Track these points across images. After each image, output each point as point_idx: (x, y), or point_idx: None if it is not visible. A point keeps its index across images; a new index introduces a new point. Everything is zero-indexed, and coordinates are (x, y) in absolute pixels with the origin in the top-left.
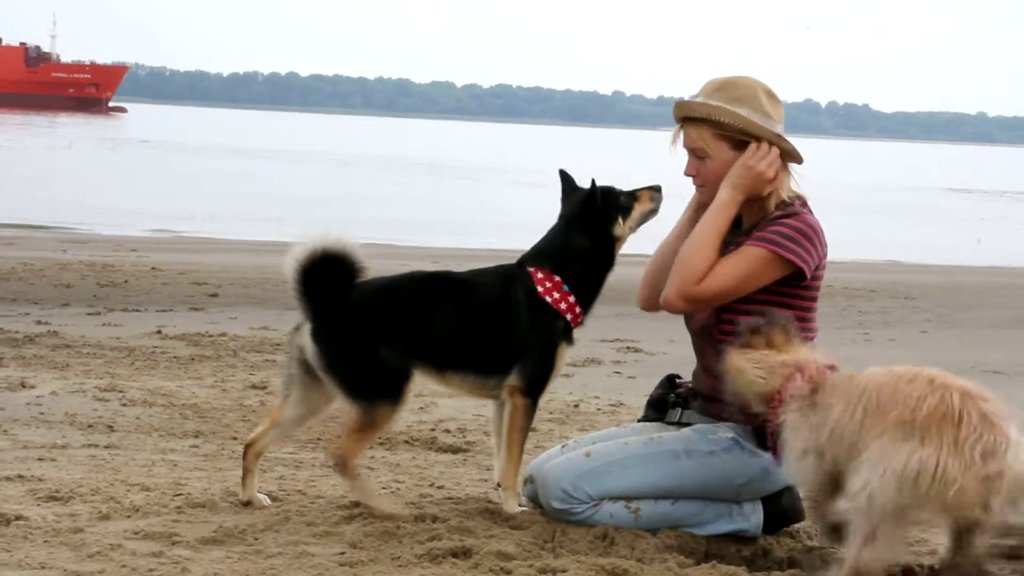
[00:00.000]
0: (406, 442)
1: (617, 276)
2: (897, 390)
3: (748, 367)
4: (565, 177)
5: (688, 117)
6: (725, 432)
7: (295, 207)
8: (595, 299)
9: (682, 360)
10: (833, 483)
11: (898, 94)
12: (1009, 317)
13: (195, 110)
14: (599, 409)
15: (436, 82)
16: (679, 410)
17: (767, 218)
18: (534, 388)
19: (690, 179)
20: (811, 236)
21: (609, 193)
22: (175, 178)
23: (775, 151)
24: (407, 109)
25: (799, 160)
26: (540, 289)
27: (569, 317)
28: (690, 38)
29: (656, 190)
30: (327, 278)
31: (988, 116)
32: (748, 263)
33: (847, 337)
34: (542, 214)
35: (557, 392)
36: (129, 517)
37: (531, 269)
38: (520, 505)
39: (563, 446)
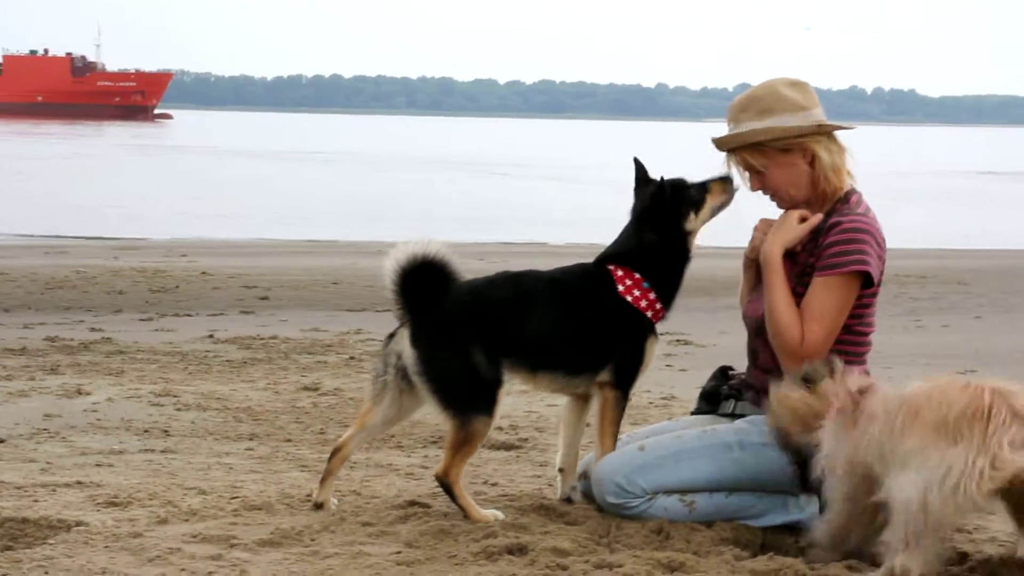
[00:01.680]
0: None
1: None
2: (931, 397)
3: (792, 396)
4: (639, 166)
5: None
6: None
7: (338, 208)
8: (676, 292)
9: (733, 352)
10: (866, 497)
11: (945, 78)
12: None
13: (240, 115)
14: (651, 403)
15: (479, 80)
16: (732, 402)
17: (822, 227)
18: (624, 381)
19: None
20: (864, 237)
21: (678, 187)
22: (221, 183)
23: (794, 216)
24: (451, 108)
25: (850, 127)
26: (621, 288)
27: (650, 314)
28: (731, 29)
29: (727, 180)
30: (425, 283)
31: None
32: (829, 295)
33: (899, 325)
34: (578, 208)
35: None
36: (187, 521)
37: (611, 267)
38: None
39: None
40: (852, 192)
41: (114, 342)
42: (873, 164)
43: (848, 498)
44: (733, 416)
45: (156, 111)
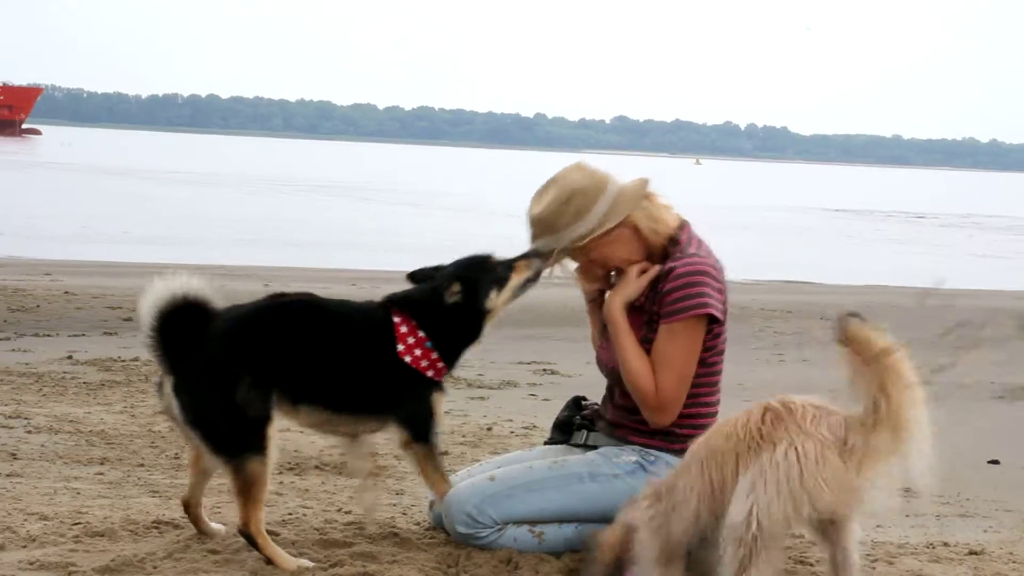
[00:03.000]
0: (316, 467)
1: (537, 300)
2: (720, 432)
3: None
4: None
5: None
6: (629, 455)
7: (208, 230)
8: (458, 360)
9: (599, 383)
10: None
11: (816, 117)
12: (921, 337)
13: (113, 132)
14: (512, 432)
15: (358, 104)
16: (585, 432)
17: (659, 275)
18: (424, 434)
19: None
20: (701, 279)
21: (482, 266)
22: (88, 201)
23: (633, 271)
24: (329, 132)
25: (645, 186)
26: (401, 347)
27: (431, 373)
28: (608, 61)
29: (536, 257)
30: (183, 326)
31: (903, 139)
32: (675, 342)
33: (763, 358)
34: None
35: (470, 415)
36: (24, 547)
37: (397, 320)
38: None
39: (468, 470)
40: (681, 228)
41: None
42: (742, 199)
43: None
44: (586, 447)
45: (24, 126)
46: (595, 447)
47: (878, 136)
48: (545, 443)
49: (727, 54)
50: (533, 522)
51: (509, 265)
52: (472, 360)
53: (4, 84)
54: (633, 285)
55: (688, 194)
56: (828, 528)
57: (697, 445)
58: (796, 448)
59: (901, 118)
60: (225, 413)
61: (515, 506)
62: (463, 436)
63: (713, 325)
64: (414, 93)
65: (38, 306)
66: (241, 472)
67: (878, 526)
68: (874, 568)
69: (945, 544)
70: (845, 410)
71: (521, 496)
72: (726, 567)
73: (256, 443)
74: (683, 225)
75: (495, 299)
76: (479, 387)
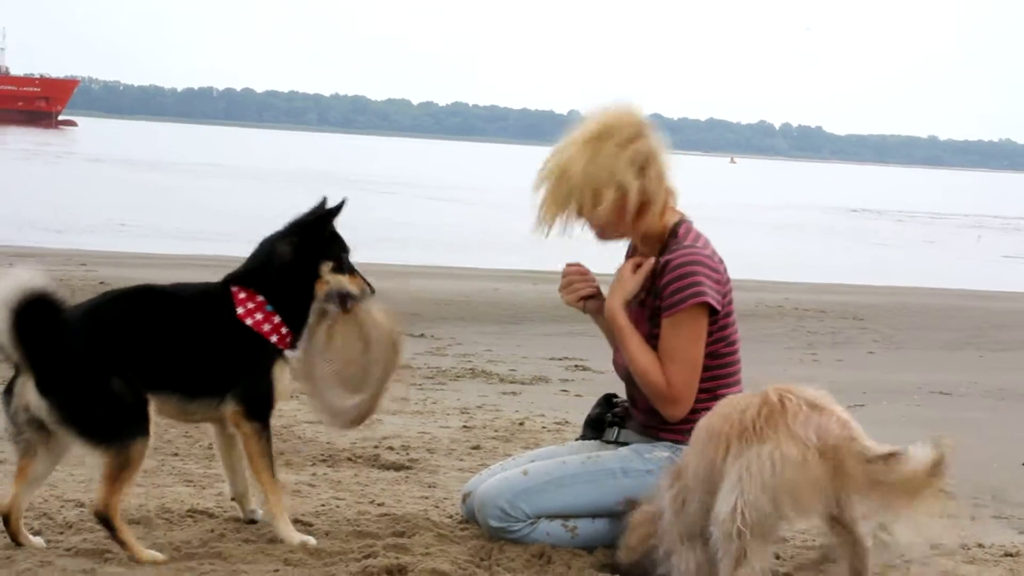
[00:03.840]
0: (348, 459)
1: None
2: (718, 415)
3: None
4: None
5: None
6: (662, 451)
7: (241, 224)
8: (305, 319)
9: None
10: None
11: (851, 117)
12: (954, 339)
13: (148, 125)
14: (544, 427)
15: (392, 99)
16: (616, 429)
17: (657, 264)
18: (258, 411)
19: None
20: (696, 269)
21: (335, 234)
22: (123, 193)
23: (627, 268)
24: (363, 126)
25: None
26: (240, 310)
27: (275, 339)
28: (642, 58)
29: (371, 291)
30: (39, 322)
31: (939, 139)
32: (679, 334)
33: (795, 358)
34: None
35: (503, 410)
36: (62, 533)
37: (234, 289)
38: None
39: (501, 464)
40: (680, 224)
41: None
42: (778, 199)
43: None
44: (617, 444)
45: (60, 118)
46: (626, 444)
47: (914, 136)
48: (577, 439)
49: (762, 52)
50: (566, 517)
51: (353, 268)
52: (504, 355)
53: (42, 76)
54: (630, 283)
55: (725, 192)
56: (837, 521)
57: (703, 421)
58: (780, 450)
59: (937, 119)
60: (104, 402)
61: (548, 501)
62: (495, 431)
63: (714, 315)
64: (449, 88)
65: (74, 296)
66: (121, 455)
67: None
68: (908, 568)
69: (980, 546)
70: (841, 408)
71: (554, 491)
72: (722, 561)
73: (140, 425)
74: (682, 220)
75: (327, 271)
76: (511, 382)
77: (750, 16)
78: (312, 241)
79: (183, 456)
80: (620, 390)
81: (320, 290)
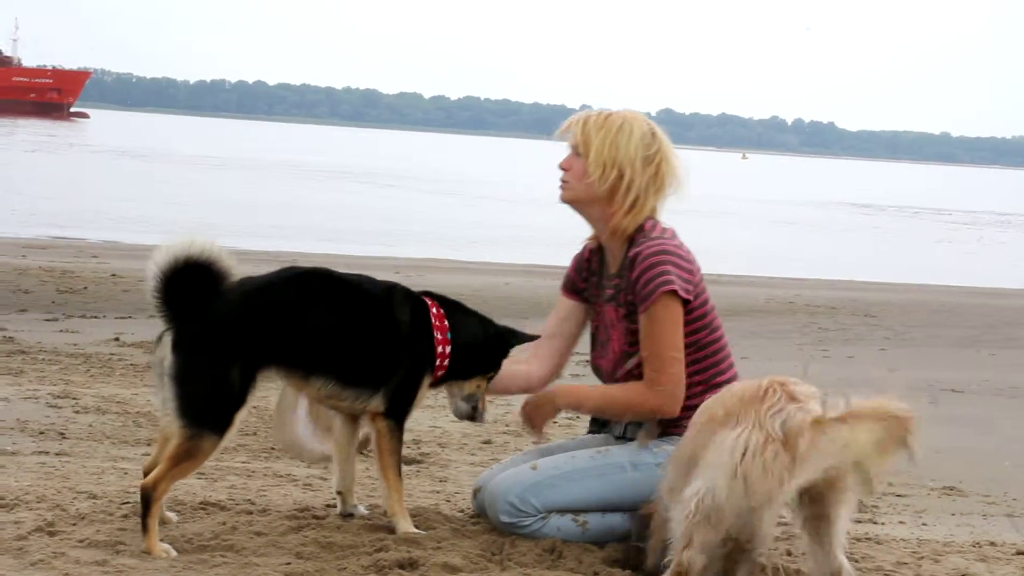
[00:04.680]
0: (359, 453)
1: None
2: (717, 399)
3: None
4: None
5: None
6: (670, 444)
7: (253, 217)
8: (449, 380)
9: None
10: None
11: (864, 113)
12: (964, 336)
13: (160, 117)
14: (555, 422)
15: (404, 93)
16: (623, 424)
17: (625, 259)
18: (398, 412)
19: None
20: (662, 258)
21: (503, 359)
22: (133, 185)
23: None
24: (374, 120)
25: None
26: (435, 321)
27: (438, 361)
28: (654, 54)
29: (481, 417)
30: (190, 286)
31: (952, 136)
32: (656, 326)
33: (806, 354)
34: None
35: (513, 404)
36: (75, 525)
37: (429, 300)
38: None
39: (512, 459)
40: (647, 220)
41: (16, 341)
42: (789, 195)
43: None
44: (626, 438)
45: (72, 109)
46: (634, 438)
47: (926, 133)
48: (586, 433)
49: (774, 48)
50: (576, 511)
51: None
52: (515, 350)
53: (54, 68)
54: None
55: (736, 189)
56: (813, 521)
57: (703, 408)
58: (744, 437)
59: (950, 115)
60: (207, 383)
61: (558, 495)
62: (506, 425)
63: (687, 304)
64: (460, 82)
65: (86, 288)
66: (191, 443)
67: (924, 524)
68: (920, 565)
69: (992, 543)
70: (822, 405)
71: (564, 485)
72: (673, 541)
73: (221, 424)
74: (650, 216)
75: (487, 375)
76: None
77: (764, 11)
78: (500, 348)
79: None
80: None
81: (472, 385)
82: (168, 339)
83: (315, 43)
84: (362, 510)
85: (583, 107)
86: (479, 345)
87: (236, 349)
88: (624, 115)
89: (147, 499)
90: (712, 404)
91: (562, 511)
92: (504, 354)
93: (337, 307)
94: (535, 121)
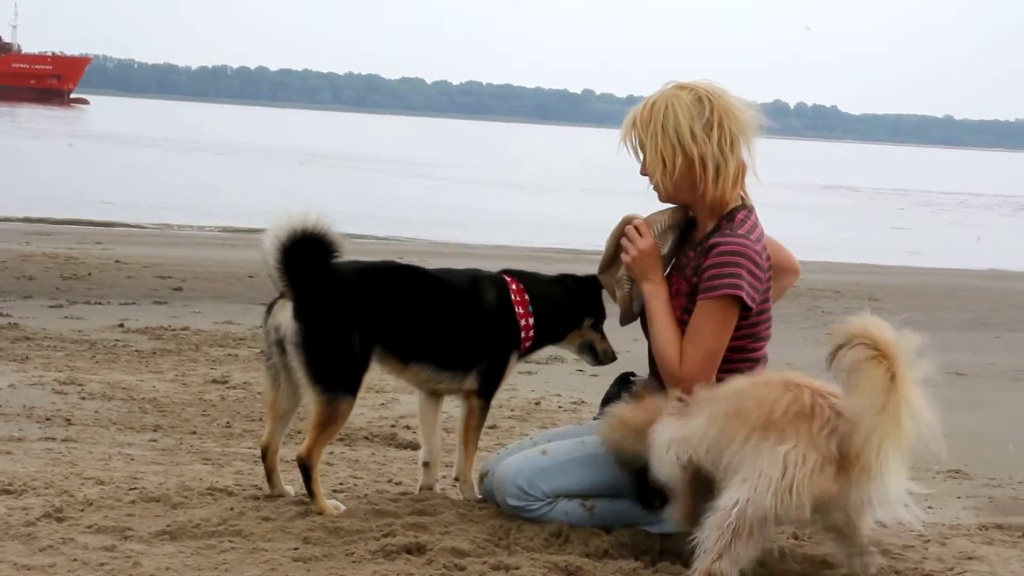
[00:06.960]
0: (366, 438)
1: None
2: (752, 395)
3: (622, 410)
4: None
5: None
6: None
7: (260, 201)
8: (542, 345)
9: (644, 360)
10: (696, 482)
11: (867, 96)
12: (969, 319)
13: (162, 103)
14: (560, 407)
15: (406, 78)
16: None
17: (705, 237)
18: (488, 390)
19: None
20: (738, 260)
21: (601, 301)
22: (136, 171)
23: (634, 231)
24: (376, 105)
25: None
26: (515, 298)
27: (523, 335)
28: (656, 37)
29: (612, 358)
30: (309, 256)
31: (955, 119)
32: (705, 319)
33: (811, 338)
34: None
35: (519, 389)
36: (82, 511)
37: (508, 278)
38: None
39: (519, 443)
40: (739, 209)
41: (21, 328)
42: (791, 178)
43: (686, 480)
44: None
45: (72, 95)
46: None
47: (929, 116)
48: (594, 419)
49: (777, 31)
50: (584, 496)
51: (601, 327)
52: None
53: (54, 54)
54: (649, 248)
55: None
56: (840, 527)
57: (731, 392)
58: (796, 454)
59: (952, 99)
60: (337, 348)
61: (566, 480)
62: (511, 410)
63: (747, 311)
64: (462, 67)
65: (90, 274)
66: (330, 406)
67: (930, 507)
68: (926, 548)
69: (999, 527)
70: (854, 414)
71: (572, 470)
72: (704, 550)
73: (352, 384)
74: (743, 206)
75: (581, 327)
76: (527, 362)
77: None
78: (586, 295)
79: (201, 435)
80: (637, 369)
81: (576, 337)
82: (284, 307)
83: (317, 29)
84: (437, 489)
85: (585, 91)
86: (563, 305)
87: (356, 318)
88: (665, 95)
89: (305, 467)
90: (742, 399)
91: (570, 496)
92: (596, 297)
93: (432, 300)
94: (537, 106)
